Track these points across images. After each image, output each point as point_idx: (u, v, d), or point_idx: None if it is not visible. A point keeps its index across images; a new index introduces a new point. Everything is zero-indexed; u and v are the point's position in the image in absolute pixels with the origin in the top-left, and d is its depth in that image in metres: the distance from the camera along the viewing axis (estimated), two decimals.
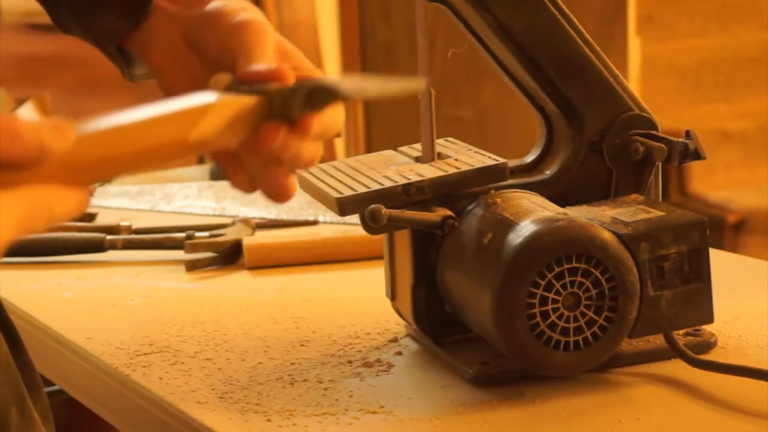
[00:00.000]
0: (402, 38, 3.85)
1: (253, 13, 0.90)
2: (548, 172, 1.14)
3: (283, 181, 0.88)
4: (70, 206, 0.72)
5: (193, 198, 1.83)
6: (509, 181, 1.10)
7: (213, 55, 0.91)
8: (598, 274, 1.00)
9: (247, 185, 0.88)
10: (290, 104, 0.82)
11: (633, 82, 4.14)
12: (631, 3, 4.14)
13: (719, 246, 1.81)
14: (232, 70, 0.86)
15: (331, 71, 3.81)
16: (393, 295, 1.16)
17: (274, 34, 0.90)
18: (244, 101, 0.80)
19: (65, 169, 0.72)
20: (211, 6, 0.92)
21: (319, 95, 0.83)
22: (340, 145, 3.77)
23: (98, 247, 1.53)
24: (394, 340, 1.17)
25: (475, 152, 1.12)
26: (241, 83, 0.83)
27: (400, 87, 0.88)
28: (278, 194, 0.88)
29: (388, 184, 1.06)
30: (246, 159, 0.86)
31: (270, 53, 0.87)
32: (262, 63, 0.86)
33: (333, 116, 0.86)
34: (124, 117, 0.75)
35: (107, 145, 0.74)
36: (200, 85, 0.85)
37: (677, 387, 1.03)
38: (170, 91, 0.95)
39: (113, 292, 1.39)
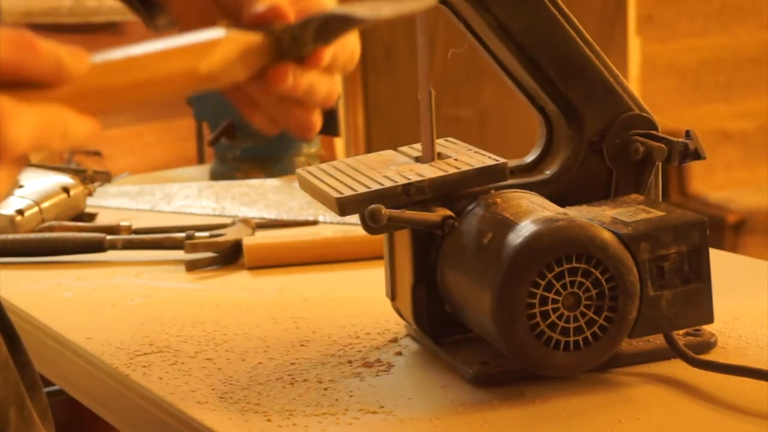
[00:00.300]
0: (402, 38, 3.85)
1: None
2: (548, 172, 1.14)
3: (303, 118, 0.87)
4: (84, 130, 0.73)
5: (193, 198, 1.83)
6: (509, 181, 1.10)
7: (227, 2, 0.89)
8: (598, 274, 1.00)
9: (267, 124, 0.87)
10: (300, 40, 0.82)
11: (633, 82, 4.14)
12: (631, 3, 4.14)
13: (719, 246, 1.81)
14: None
15: None
16: (393, 295, 1.16)
17: None
18: (253, 37, 0.81)
19: (79, 94, 0.73)
20: None
21: (331, 25, 0.82)
22: (340, 145, 3.77)
23: (98, 247, 1.53)
24: (394, 340, 1.17)
25: (475, 152, 1.12)
26: (248, 27, 0.83)
27: (414, 5, 0.87)
28: (301, 131, 0.87)
29: (388, 184, 1.06)
30: (260, 99, 0.86)
31: None
32: (263, 4, 0.84)
33: (346, 46, 0.85)
34: (137, 48, 0.77)
35: (120, 73, 0.75)
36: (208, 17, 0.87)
37: (677, 387, 1.03)
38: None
39: (113, 292, 1.39)
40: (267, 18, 0.83)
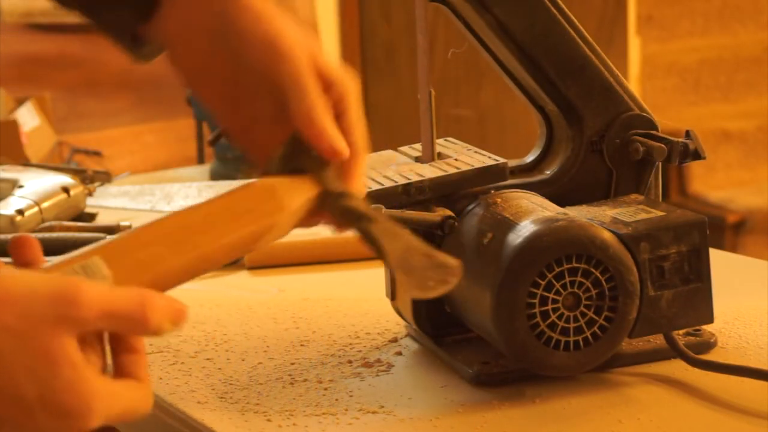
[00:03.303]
0: (402, 38, 3.85)
1: (286, 31, 0.89)
2: (548, 172, 1.14)
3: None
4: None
5: (193, 198, 1.83)
6: (509, 181, 1.10)
7: (247, 64, 0.89)
8: (598, 274, 1.00)
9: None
10: (336, 215, 0.85)
11: (633, 82, 4.14)
12: (631, 3, 4.14)
13: (719, 246, 1.81)
14: (273, 96, 0.88)
15: None
16: (393, 295, 1.16)
17: (315, 56, 0.90)
18: (308, 195, 0.85)
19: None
20: (240, 8, 0.90)
21: (365, 238, 0.85)
22: None
23: None
24: (394, 340, 1.17)
25: (475, 152, 1.12)
26: (301, 143, 0.86)
27: (437, 279, 0.85)
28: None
29: (388, 184, 1.06)
30: None
31: (319, 97, 0.87)
32: (319, 121, 0.87)
33: None
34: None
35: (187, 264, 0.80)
36: (229, 86, 0.89)
37: (677, 387, 1.03)
38: (200, 90, 0.93)
39: None
40: (333, 157, 0.87)
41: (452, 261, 0.82)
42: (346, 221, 0.85)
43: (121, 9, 0.93)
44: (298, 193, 0.84)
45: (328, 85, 0.89)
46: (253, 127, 0.91)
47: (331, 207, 0.85)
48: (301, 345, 1.17)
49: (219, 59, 0.91)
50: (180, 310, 0.77)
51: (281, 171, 0.86)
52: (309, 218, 0.86)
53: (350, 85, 0.90)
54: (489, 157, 1.10)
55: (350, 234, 0.86)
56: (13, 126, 3.32)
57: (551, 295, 0.99)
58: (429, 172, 1.08)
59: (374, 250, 0.84)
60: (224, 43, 0.90)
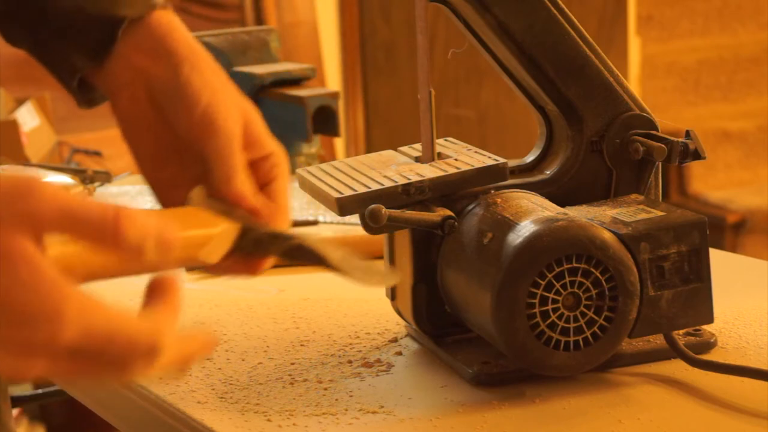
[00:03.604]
0: (402, 38, 3.85)
1: (223, 106, 0.90)
2: (548, 172, 1.14)
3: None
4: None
5: None
6: (509, 181, 1.10)
7: (180, 131, 0.91)
8: (598, 274, 1.00)
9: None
10: (262, 248, 0.86)
11: (633, 82, 4.15)
12: (631, 3, 4.14)
13: (719, 246, 1.81)
14: (201, 164, 0.89)
15: (331, 71, 3.81)
16: (393, 295, 1.16)
17: (251, 127, 0.91)
18: (233, 230, 0.86)
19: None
20: (183, 78, 0.90)
21: (299, 254, 0.87)
22: (340, 145, 3.77)
23: None
24: (394, 340, 1.17)
25: (475, 152, 1.12)
26: (217, 198, 0.88)
27: (376, 280, 0.91)
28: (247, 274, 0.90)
29: (388, 184, 1.06)
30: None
31: (243, 172, 0.89)
32: (240, 189, 0.88)
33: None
34: None
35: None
36: (161, 145, 0.91)
37: (677, 387, 1.03)
38: (132, 142, 0.93)
39: (113, 292, 1.39)
40: (245, 208, 0.88)
41: (387, 269, 0.85)
42: (274, 246, 0.86)
43: (72, 53, 0.93)
44: (224, 220, 0.85)
45: (260, 155, 0.91)
46: (176, 188, 0.91)
47: (255, 237, 0.86)
48: (301, 345, 1.17)
49: (156, 118, 0.92)
50: (169, 239, 0.72)
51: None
52: (227, 259, 0.85)
53: (281, 155, 0.93)
54: (489, 157, 1.10)
55: (272, 263, 0.88)
56: (13, 126, 3.31)
57: (551, 295, 0.99)
58: (429, 172, 1.08)
59: (312, 259, 0.86)
60: (165, 105, 0.91)
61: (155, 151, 0.92)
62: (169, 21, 0.93)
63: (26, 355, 0.67)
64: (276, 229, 0.88)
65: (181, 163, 0.91)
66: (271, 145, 0.93)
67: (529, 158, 1.16)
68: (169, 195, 0.92)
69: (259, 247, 0.86)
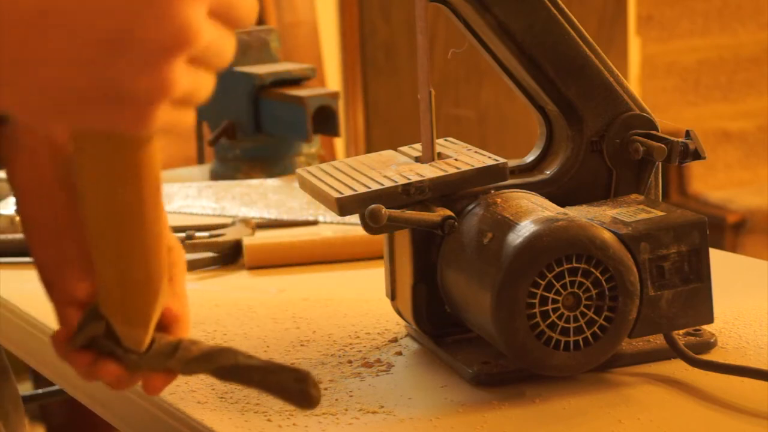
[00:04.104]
0: (402, 38, 3.85)
1: None
2: (548, 172, 1.14)
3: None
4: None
5: (193, 198, 1.83)
6: (509, 181, 1.10)
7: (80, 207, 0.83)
8: (598, 274, 1.00)
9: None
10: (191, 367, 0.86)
11: (633, 82, 4.14)
12: (631, 3, 4.14)
13: (719, 246, 1.81)
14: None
15: (331, 71, 3.81)
16: (393, 295, 1.16)
17: None
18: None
19: None
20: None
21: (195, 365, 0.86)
22: (340, 145, 3.77)
23: None
24: (394, 340, 1.17)
25: (475, 152, 1.12)
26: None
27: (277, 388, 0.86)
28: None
29: (388, 184, 1.06)
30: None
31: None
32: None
33: None
34: None
35: None
36: (60, 220, 0.85)
37: (677, 387, 1.03)
38: (25, 211, 0.88)
39: None
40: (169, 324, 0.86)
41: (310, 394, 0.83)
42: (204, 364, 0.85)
43: None
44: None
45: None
46: (64, 268, 0.87)
47: (183, 355, 0.85)
48: (301, 345, 1.17)
49: (59, 188, 0.86)
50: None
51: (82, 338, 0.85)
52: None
53: (181, 253, 0.90)
54: (489, 157, 1.10)
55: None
56: None
57: (551, 295, 0.99)
58: (429, 172, 1.08)
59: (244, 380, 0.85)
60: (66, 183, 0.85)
61: (51, 224, 0.86)
62: None
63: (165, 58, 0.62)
64: (203, 347, 0.86)
65: (78, 243, 0.85)
66: (173, 239, 0.89)
67: (529, 158, 1.16)
68: (57, 275, 0.87)
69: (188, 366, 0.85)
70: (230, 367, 0.84)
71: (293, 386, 0.83)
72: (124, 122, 0.63)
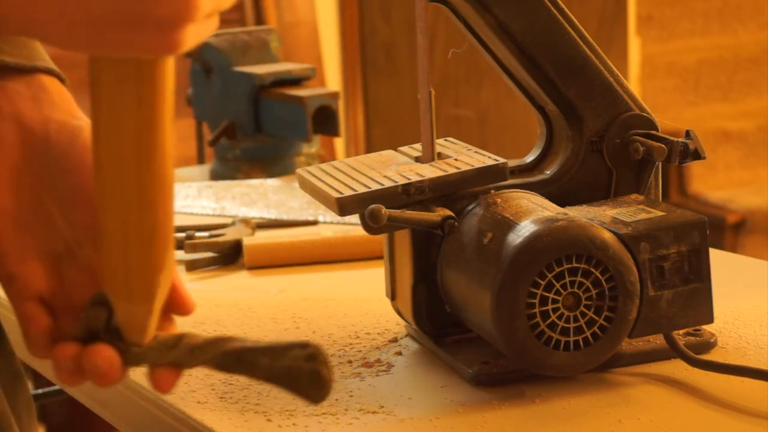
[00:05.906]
0: (402, 38, 3.85)
1: None
2: (548, 172, 1.14)
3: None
4: None
5: (193, 198, 1.83)
6: (509, 181, 1.10)
7: (63, 203, 0.82)
8: (598, 275, 1.00)
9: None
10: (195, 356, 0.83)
11: (633, 82, 4.15)
12: (631, 3, 4.14)
13: (719, 246, 1.81)
14: (66, 238, 0.83)
15: (331, 71, 3.81)
16: (393, 295, 1.16)
17: None
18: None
19: None
20: (83, 139, 0.82)
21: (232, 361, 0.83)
22: (340, 145, 3.77)
23: None
24: (394, 340, 1.17)
25: (475, 152, 1.12)
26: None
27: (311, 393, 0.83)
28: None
29: (388, 184, 1.06)
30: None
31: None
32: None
33: None
34: None
35: None
36: (22, 206, 0.82)
37: (677, 387, 1.03)
38: None
39: None
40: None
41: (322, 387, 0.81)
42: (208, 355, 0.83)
43: None
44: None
45: None
46: (23, 262, 0.83)
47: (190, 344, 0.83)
48: None
49: (24, 171, 0.83)
50: None
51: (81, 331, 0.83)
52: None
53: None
54: (489, 157, 1.10)
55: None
56: None
57: (551, 295, 0.99)
58: (429, 172, 1.08)
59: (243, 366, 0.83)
60: (53, 162, 0.83)
61: (13, 212, 0.83)
62: (60, 89, 0.86)
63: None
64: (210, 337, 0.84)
65: (39, 233, 0.83)
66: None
67: (529, 158, 1.16)
68: (20, 268, 0.83)
69: (192, 356, 0.83)
70: (237, 351, 0.82)
71: (304, 367, 0.79)
72: (149, 48, 0.64)
